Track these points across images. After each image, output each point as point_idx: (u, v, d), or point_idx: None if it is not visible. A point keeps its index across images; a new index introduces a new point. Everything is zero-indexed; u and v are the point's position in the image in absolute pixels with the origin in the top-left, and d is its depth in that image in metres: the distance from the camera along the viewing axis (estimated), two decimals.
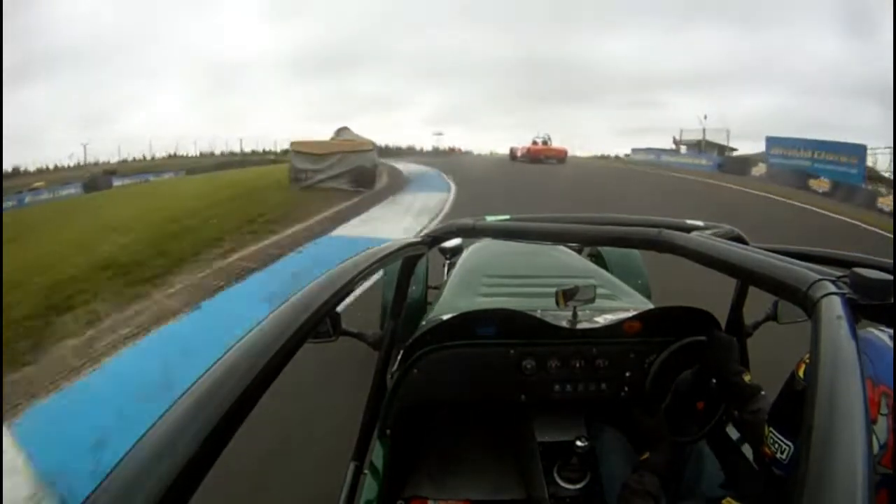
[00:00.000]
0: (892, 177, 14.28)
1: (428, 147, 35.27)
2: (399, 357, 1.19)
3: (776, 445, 0.67)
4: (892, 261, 0.66)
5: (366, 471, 1.11)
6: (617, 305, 1.45)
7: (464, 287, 1.66)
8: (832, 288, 0.45)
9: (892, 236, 7.88)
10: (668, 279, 2.67)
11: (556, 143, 23.53)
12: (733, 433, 1.15)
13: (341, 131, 12.70)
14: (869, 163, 14.93)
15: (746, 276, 0.60)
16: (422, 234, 0.98)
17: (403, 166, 18.69)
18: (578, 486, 1.07)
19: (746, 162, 18.81)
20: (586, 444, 1.04)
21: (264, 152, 34.81)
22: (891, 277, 0.46)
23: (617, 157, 30.75)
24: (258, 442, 2.00)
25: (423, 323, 1.39)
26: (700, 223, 0.88)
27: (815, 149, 15.99)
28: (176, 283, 4.97)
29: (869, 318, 0.47)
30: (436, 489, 1.17)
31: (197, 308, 4.20)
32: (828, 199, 12.72)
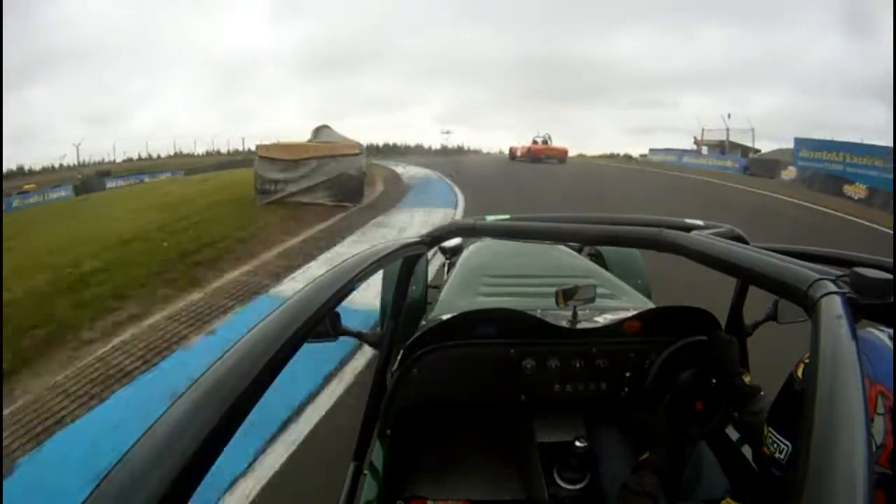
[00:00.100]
0: None
1: (436, 145, 35.13)
2: (399, 357, 1.19)
3: (775, 445, 0.67)
4: (892, 260, 0.66)
5: (366, 471, 1.11)
6: (617, 305, 1.45)
7: (464, 287, 1.66)
8: (832, 287, 0.45)
9: None
10: (668, 279, 2.66)
11: (557, 143, 23.52)
12: (733, 433, 1.15)
13: (320, 131, 10.07)
14: None
15: (746, 276, 0.60)
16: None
17: (403, 170, 17.17)
18: (578, 486, 1.07)
19: (775, 165, 17.72)
20: (586, 444, 1.04)
21: None
22: (891, 277, 0.46)
23: (627, 157, 30.08)
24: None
25: (423, 323, 1.39)
26: (700, 222, 0.88)
27: (847, 151, 15.01)
28: None
29: (869, 318, 0.47)
30: (436, 489, 1.17)
31: None
32: (865, 206, 11.49)
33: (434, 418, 1.29)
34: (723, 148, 23.05)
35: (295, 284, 4.72)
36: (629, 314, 1.18)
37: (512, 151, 24.37)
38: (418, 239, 0.92)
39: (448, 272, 2.08)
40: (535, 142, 23.57)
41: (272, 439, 2.32)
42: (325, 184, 8.98)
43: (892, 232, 7.97)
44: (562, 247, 2.07)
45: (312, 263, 5.38)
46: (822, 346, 0.37)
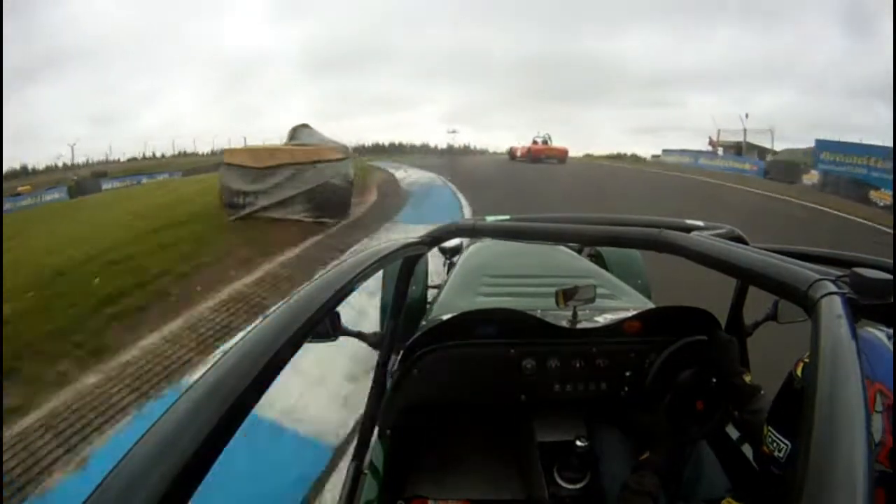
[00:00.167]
0: None
1: (442, 145, 34.82)
2: (399, 357, 1.19)
3: (774, 444, 0.67)
4: (892, 261, 0.66)
5: (366, 471, 1.11)
6: (617, 305, 1.45)
7: (464, 287, 1.66)
8: (832, 288, 0.45)
9: None
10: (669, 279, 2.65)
11: (558, 143, 23.49)
12: (733, 433, 1.15)
13: (298, 131, 8.43)
14: None
15: (746, 276, 0.60)
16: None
17: (404, 173, 15.33)
18: (578, 486, 1.07)
19: (795, 168, 16.61)
20: (586, 443, 1.05)
21: None
22: (891, 277, 0.46)
23: (634, 157, 29.19)
24: None
25: (423, 323, 1.39)
26: (700, 223, 0.88)
27: (870, 154, 14.09)
28: None
29: (869, 318, 0.47)
30: (436, 489, 1.17)
31: None
32: (888, 213, 10.40)
33: (434, 418, 1.29)
34: (739, 149, 21.87)
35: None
36: (629, 314, 1.18)
37: (511, 152, 24.33)
38: (418, 239, 0.92)
39: (448, 272, 2.09)
40: (534, 142, 23.54)
41: None
42: (303, 196, 7.50)
43: None
44: (562, 247, 2.07)
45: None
46: (822, 346, 0.37)
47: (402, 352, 1.18)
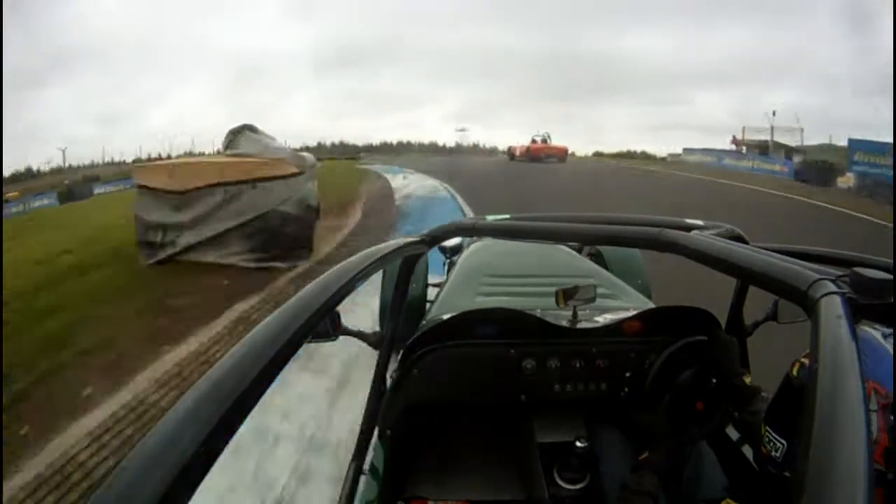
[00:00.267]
0: None
1: (451, 143, 34.53)
2: (399, 357, 1.19)
3: (771, 444, 0.67)
4: (892, 261, 0.66)
5: (366, 471, 1.11)
6: (617, 305, 1.45)
7: (464, 287, 1.66)
8: (832, 287, 0.45)
9: None
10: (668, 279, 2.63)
11: (557, 142, 23.49)
12: (733, 433, 1.15)
13: (239, 136, 5.62)
14: None
15: (746, 276, 0.60)
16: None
17: (402, 180, 13.09)
18: (578, 486, 1.07)
19: (829, 168, 15.15)
20: (586, 444, 1.05)
21: None
22: (891, 277, 0.46)
23: (644, 154, 28.08)
24: None
25: (423, 323, 1.39)
26: (700, 222, 0.88)
27: None
28: None
29: (869, 318, 0.47)
30: (436, 489, 1.17)
31: None
32: None
33: (434, 418, 1.29)
34: (763, 148, 20.14)
35: None
36: (629, 314, 1.18)
37: (511, 151, 24.30)
38: (418, 238, 0.92)
39: (448, 272, 2.08)
40: (534, 141, 23.51)
41: None
42: (243, 229, 5.14)
43: None
44: (562, 247, 2.07)
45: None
46: (822, 346, 0.37)
47: (402, 352, 1.18)
